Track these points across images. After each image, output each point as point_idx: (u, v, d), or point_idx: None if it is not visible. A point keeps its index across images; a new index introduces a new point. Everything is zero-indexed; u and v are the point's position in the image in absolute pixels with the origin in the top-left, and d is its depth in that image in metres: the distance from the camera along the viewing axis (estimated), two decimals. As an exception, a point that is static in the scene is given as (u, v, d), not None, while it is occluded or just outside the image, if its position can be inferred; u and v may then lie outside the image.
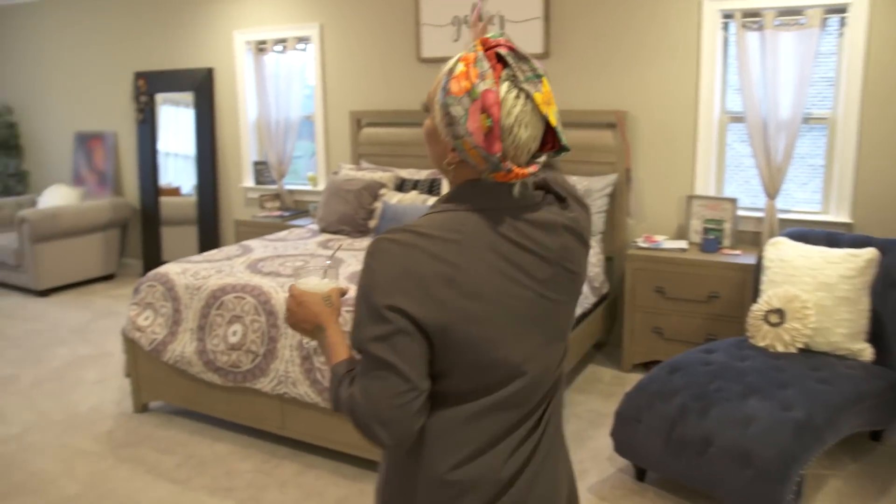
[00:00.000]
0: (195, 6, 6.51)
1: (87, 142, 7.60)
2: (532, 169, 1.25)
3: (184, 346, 3.76)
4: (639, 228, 4.91)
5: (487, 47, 1.24)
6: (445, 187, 4.90)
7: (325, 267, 1.50)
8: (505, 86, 1.21)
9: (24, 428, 4.02)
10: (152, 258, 7.13)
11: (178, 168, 7.02)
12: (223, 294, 3.68)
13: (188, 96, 6.75)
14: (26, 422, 4.10)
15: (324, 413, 3.42)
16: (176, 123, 6.93)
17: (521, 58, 1.24)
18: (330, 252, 4.43)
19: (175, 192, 7.02)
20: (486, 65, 1.22)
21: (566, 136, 4.71)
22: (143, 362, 4.02)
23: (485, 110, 1.20)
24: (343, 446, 3.42)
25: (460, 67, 1.24)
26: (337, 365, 1.35)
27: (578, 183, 4.67)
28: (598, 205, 4.71)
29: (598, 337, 4.73)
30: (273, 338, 3.47)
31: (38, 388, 4.55)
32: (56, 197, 7.10)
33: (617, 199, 4.81)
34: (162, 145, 7.06)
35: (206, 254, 4.35)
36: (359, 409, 1.23)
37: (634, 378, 4.49)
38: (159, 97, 6.96)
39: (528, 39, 4.94)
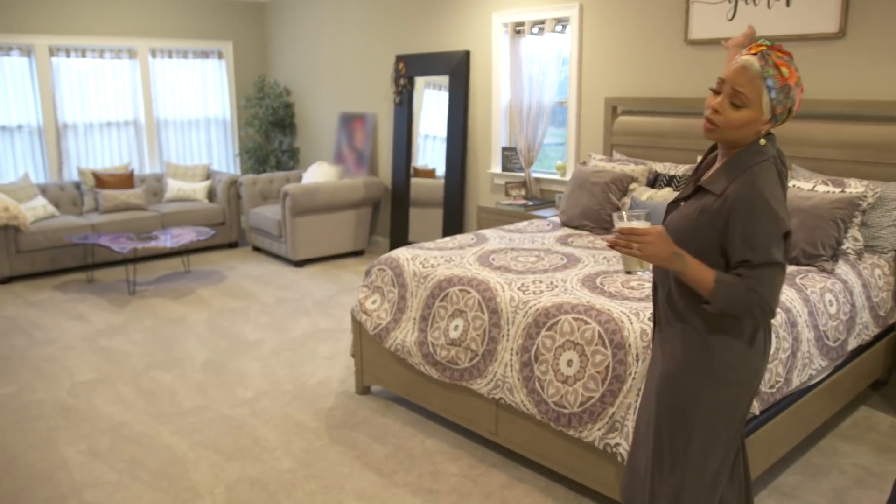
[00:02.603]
0: (457, -12, 6.44)
1: (349, 122, 7.89)
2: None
3: (405, 335, 3.63)
4: (946, 249, 4.02)
5: (781, 48, 1.91)
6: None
7: (648, 214, 1.94)
8: (794, 65, 1.90)
9: (258, 393, 4.15)
10: (399, 238, 7.24)
11: (436, 150, 7.05)
12: (449, 286, 3.49)
13: (446, 79, 6.72)
14: (260, 388, 4.23)
15: (539, 426, 3.10)
16: (437, 106, 6.94)
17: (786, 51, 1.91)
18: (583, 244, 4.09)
19: (431, 173, 7.06)
20: (794, 63, 1.89)
21: (858, 130, 4.21)
22: (367, 345, 3.97)
23: (801, 89, 1.91)
24: (557, 465, 3.09)
25: (782, 67, 1.87)
26: (720, 275, 1.86)
27: (869, 188, 3.90)
28: (893, 216, 3.91)
29: (879, 375, 3.95)
30: (494, 338, 3.22)
31: (277, 357, 4.70)
32: (318, 174, 7.45)
33: (919, 212, 3.96)
34: (422, 127, 7.13)
35: (440, 241, 4.21)
36: (763, 300, 1.82)
37: (925, 432, 3.67)
38: (420, 80, 7.01)
39: (820, 16, 4.21)
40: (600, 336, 2.85)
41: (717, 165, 2.00)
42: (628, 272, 2.00)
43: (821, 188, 3.92)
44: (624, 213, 1.92)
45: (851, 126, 4.13)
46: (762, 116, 1.88)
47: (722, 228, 1.88)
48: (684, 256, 1.87)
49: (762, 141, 1.92)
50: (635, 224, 1.90)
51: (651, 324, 2.79)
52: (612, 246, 1.90)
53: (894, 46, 4.03)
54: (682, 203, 2.05)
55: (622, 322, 2.83)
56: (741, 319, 1.93)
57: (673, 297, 2.03)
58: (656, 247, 1.85)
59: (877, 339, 3.85)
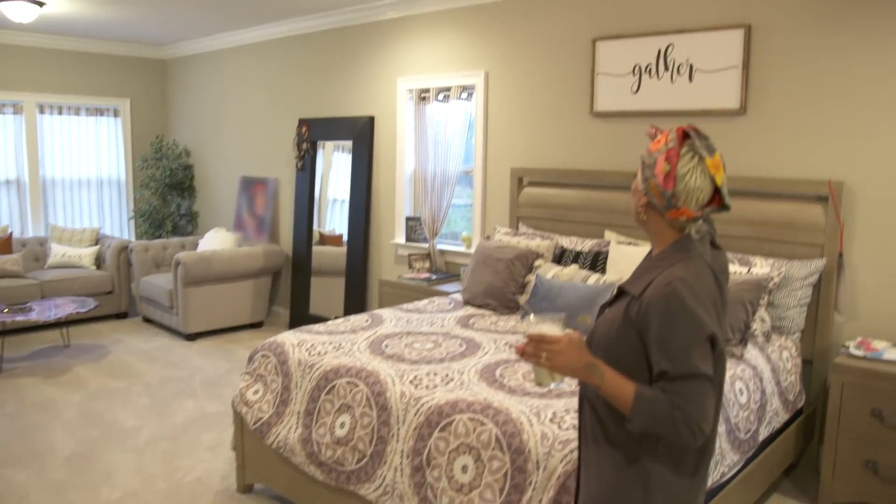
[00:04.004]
0: (360, 54, 6.25)
1: (251, 186, 7.54)
2: (697, 213, 1.68)
3: (288, 431, 3.27)
4: (848, 328, 3.94)
5: (679, 130, 1.71)
6: (610, 263, 4.18)
7: (562, 318, 1.69)
8: (685, 148, 1.68)
9: (125, 494, 3.69)
10: (300, 309, 6.87)
11: (344, 215, 6.74)
12: (336, 377, 3.17)
13: (351, 144, 6.48)
14: (129, 487, 3.77)
15: (434, 539, 2.78)
16: (345, 170, 6.67)
17: (702, 136, 1.70)
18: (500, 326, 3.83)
19: (338, 239, 6.74)
20: (674, 135, 1.70)
21: (761, 207, 4.03)
22: (250, 438, 3.59)
23: (668, 160, 1.68)
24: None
25: (658, 137, 1.74)
26: (641, 389, 1.60)
27: (775, 268, 3.81)
28: (798, 296, 3.82)
29: (791, 460, 3.80)
30: (383, 438, 2.90)
31: (153, 448, 4.25)
32: (215, 241, 7.04)
33: (823, 291, 3.89)
34: (331, 191, 6.85)
35: (331, 323, 3.89)
36: (689, 419, 1.56)
37: (838, 525, 3.51)
38: (329, 144, 6.75)
39: (722, 92, 4.16)
40: (497, 439, 2.57)
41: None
42: (539, 384, 1.71)
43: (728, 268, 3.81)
44: (533, 316, 1.70)
45: (755, 202, 4.07)
46: (639, 186, 1.76)
47: (642, 336, 1.66)
48: (599, 367, 1.64)
49: (693, 232, 1.72)
50: (546, 329, 1.66)
51: (554, 426, 2.53)
52: (521, 354, 1.67)
53: (794, 124, 4.00)
54: (606, 309, 1.82)
55: (521, 424, 2.57)
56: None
57: (600, 414, 1.77)
58: (567, 356, 1.63)
59: (786, 424, 3.71)
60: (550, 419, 2.57)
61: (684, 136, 1.68)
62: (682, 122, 4.37)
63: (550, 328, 1.67)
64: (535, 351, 1.64)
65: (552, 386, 1.70)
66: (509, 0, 5.17)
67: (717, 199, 1.70)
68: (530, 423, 2.56)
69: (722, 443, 2.96)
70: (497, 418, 2.62)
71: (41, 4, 5.96)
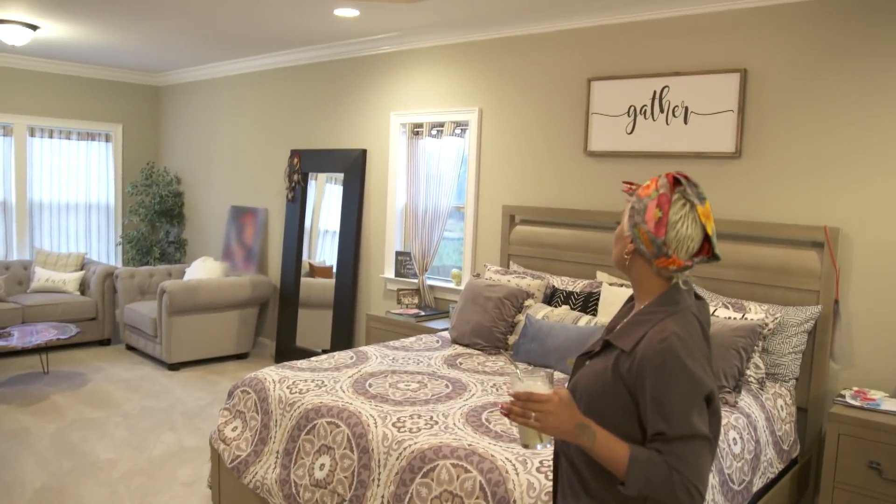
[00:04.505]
0: (354, 87, 6.23)
1: (240, 216, 7.47)
2: (687, 263, 1.63)
3: (266, 471, 3.16)
4: (844, 377, 3.87)
5: (669, 176, 1.66)
6: (602, 304, 4.10)
7: (551, 375, 1.59)
8: (676, 195, 1.63)
9: (95, 534, 3.56)
10: (286, 341, 6.75)
11: (334, 246, 6.66)
12: (317, 416, 3.07)
13: (343, 176, 6.43)
14: (98, 527, 3.64)
15: (413, 590, 2.66)
16: (337, 201, 6.60)
17: (693, 184, 1.65)
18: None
19: (328, 271, 6.64)
20: (664, 181, 1.65)
21: (756, 251, 3.99)
22: (226, 477, 3.47)
23: (659, 206, 1.63)
24: None
25: (647, 182, 1.69)
26: (635, 451, 1.51)
27: (769, 313, 3.74)
28: (793, 343, 3.75)
29: (784, 512, 3.70)
30: (363, 482, 2.79)
31: (128, 483, 4.11)
32: (202, 269, 6.94)
33: (818, 338, 3.82)
34: (322, 223, 6.77)
35: (315, 359, 3.79)
36: (688, 481, 1.48)
37: (832, 582, 3.40)
38: (322, 175, 6.70)
39: (717, 135, 4.13)
40: (482, 487, 2.47)
41: (629, 316, 1.72)
42: (525, 446, 1.60)
43: (721, 312, 3.76)
44: (519, 372, 1.59)
45: (749, 247, 4.01)
46: (625, 233, 1.70)
47: (634, 393, 1.57)
48: (591, 428, 1.54)
49: (681, 282, 1.66)
50: (532, 387, 1.55)
51: (541, 476, 2.44)
52: (506, 414, 1.56)
53: (788, 168, 3.96)
54: (589, 361, 1.72)
55: (507, 472, 2.47)
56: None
57: (578, 468, 1.67)
58: (557, 417, 1.53)
59: (781, 474, 3.62)
60: (537, 468, 2.48)
61: (675, 182, 1.64)
62: (677, 163, 4.33)
63: (538, 385, 1.56)
64: (522, 411, 1.54)
65: (539, 447, 1.60)
66: (505, 38, 5.16)
67: (706, 248, 1.65)
68: (516, 471, 2.47)
69: (715, 495, 2.87)
70: (482, 466, 2.53)
71: (35, 28, 5.93)
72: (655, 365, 1.53)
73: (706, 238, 1.63)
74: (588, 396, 1.63)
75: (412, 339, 4.42)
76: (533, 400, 1.53)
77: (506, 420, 2.94)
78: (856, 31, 3.73)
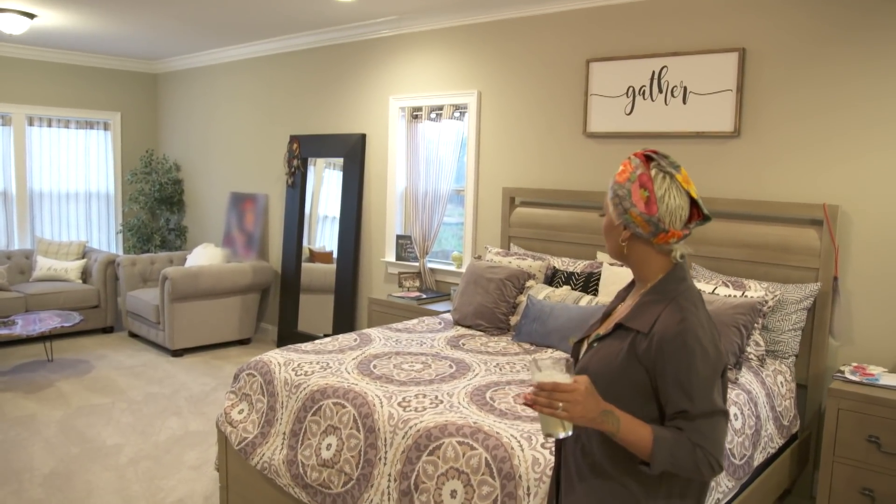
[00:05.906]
0: (353, 72, 6.23)
1: (240, 202, 7.48)
2: (685, 232, 1.66)
3: (273, 452, 3.20)
4: (843, 353, 3.91)
5: (639, 154, 1.69)
6: (603, 284, 4.13)
7: (570, 362, 1.57)
8: (654, 170, 1.66)
9: (104, 517, 3.61)
10: (288, 326, 6.79)
11: (335, 231, 6.68)
12: (323, 398, 3.10)
13: (343, 161, 6.44)
14: (108, 510, 3.68)
15: (421, 565, 2.71)
16: (336, 187, 6.62)
17: (662, 155, 1.68)
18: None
19: (328, 256, 6.67)
20: (637, 161, 1.69)
21: (755, 230, 4.02)
22: (234, 458, 3.51)
23: (643, 186, 1.65)
24: None
25: (620, 168, 1.70)
26: (658, 431, 1.54)
27: (769, 291, 3.77)
28: (792, 320, 3.79)
29: (785, 486, 3.74)
30: (370, 461, 2.83)
31: (135, 467, 4.15)
32: (203, 256, 6.97)
33: (818, 315, 3.86)
34: (322, 208, 6.79)
35: (319, 342, 3.82)
36: (710, 456, 1.53)
37: (832, 554, 3.45)
38: (320, 161, 6.71)
39: (716, 115, 4.15)
40: (487, 464, 2.51)
41: (634, 298, 1.74)
42: (548, 436, 1.57)
43: (721, 290, 3.78)
44: (540, 360, 1.55)
45: (748, 225, 4.04)
46: (614, 223, 1.72)
47: (653, 374, 1.59)
48: (615, 413, 1.54)
49: (678, 255, 1.70)
50: (558, 377, 1.52)
51: (546, 451, 2.47)
52: (531, 405, 1.53)
53: (787, 147, 3.98)
54: (596, 343, 1.73)
55: (512, 448, 2.50)
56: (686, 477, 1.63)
57: (592, 454, 1.69)
58: (584, 406, 1.50)
59: (781, 449, 3.66)
60: (542, 444, 2.51)
61: (647, 159, 1.67)
62: (677, 143, 4.35)
63: (561, 375, 1.54)
64: (549, 402, 1.50)
65: (561, 436, 1.56)
66: (503, 20, 5.16)
67: (696, 212, 1.68)
68: (521, 447, 2.50)
69: (715, 469, 2.90)
70: (487, 442, 2.56)
71: (32, 17, 5.92)
72: (677, 345, 1.56)
73: (693, 203, 1.67)
74: (603, 380, 1.64)
75: (415, 321, 4.46)
76: (559, 390, 1.50)
77: (510, 398, 2.97)
78: (855, 8, 3.74)
